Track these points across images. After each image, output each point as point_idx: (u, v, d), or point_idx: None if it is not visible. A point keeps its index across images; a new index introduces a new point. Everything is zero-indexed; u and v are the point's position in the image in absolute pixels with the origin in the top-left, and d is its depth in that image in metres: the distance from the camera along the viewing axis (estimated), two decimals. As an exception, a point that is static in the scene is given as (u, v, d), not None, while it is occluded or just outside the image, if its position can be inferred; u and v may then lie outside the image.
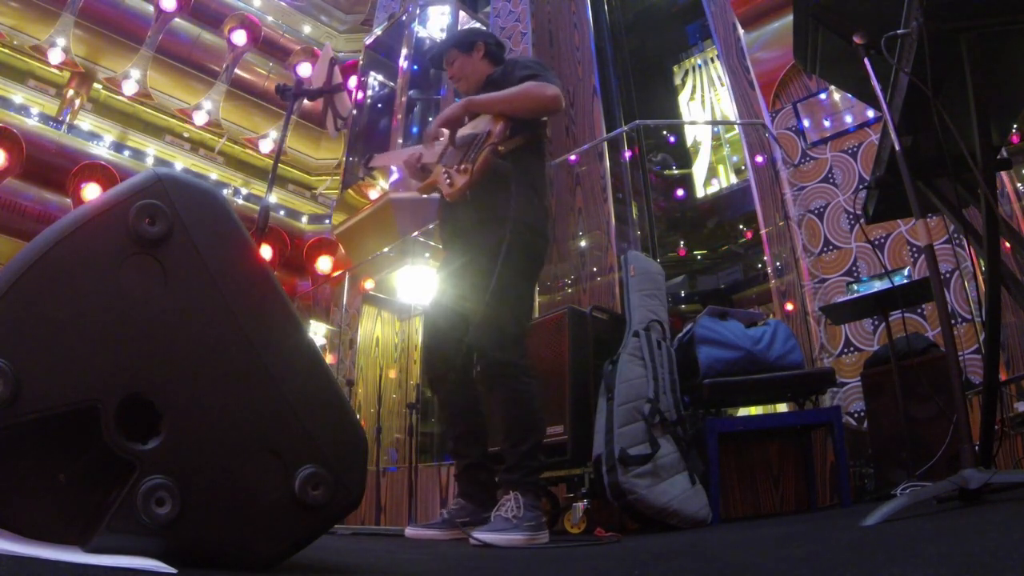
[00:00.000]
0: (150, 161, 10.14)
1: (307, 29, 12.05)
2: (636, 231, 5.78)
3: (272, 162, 2.33)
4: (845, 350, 3.84)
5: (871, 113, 4.10)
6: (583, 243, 5.40)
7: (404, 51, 7.33)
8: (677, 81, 8.95)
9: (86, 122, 9.79)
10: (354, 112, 7.41)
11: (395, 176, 6.41)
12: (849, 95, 3.74)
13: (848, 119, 4.28)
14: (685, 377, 2.60)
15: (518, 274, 1.96)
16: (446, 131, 2.04)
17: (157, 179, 0.89)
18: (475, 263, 1.97)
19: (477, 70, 2.20)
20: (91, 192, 8.40)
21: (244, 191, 11.15)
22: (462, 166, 1.90)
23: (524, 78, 1.99)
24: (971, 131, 1.40)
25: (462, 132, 2.00)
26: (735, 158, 8.11)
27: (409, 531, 2.05)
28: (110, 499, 0.79)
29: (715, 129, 8.47)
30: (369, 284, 6.85)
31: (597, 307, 2.86)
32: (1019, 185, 3.95)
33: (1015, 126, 4.05)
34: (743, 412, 4.16)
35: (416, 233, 6.10)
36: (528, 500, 1.79)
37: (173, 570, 0.72)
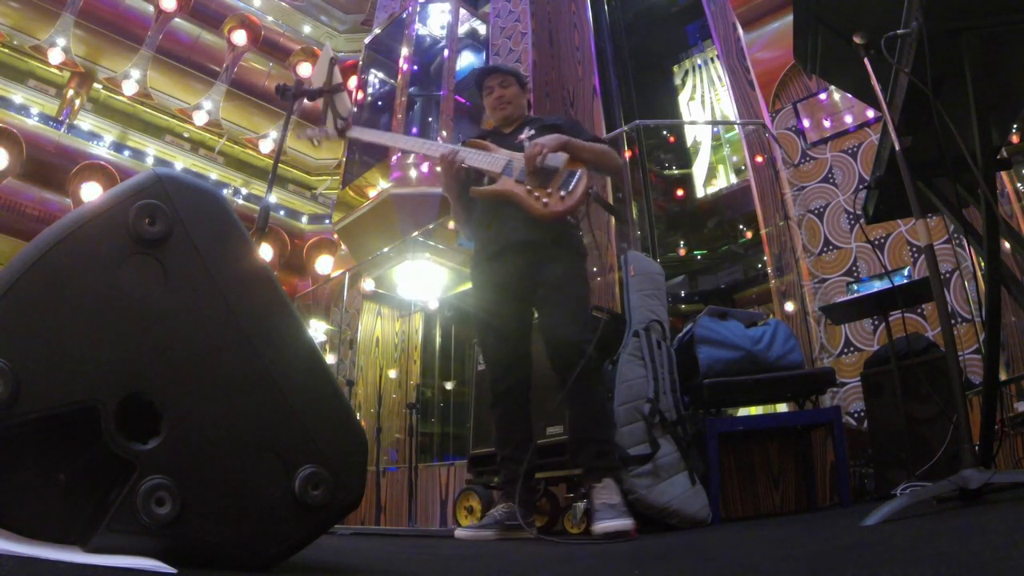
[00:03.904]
0: (150, 161, 10.15)
1: (307, 29, 12.05)
2: (636, 231, 5.77)
3: (272, 162, 2.32)
4: (845, 350, 3.84)
5: (871, 113, 4.10)
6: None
7: (404, 50, 7.32)
8: (677, 81, 8.96)
9: (86, 122, 9.79)
10: (354, 111, 7.40)
11: (395, 172, 6.41)
12: (849, 95, 3.74)
13: (848, 119, 4.28)
14: (685, 377, 2.59)
15: (582, 283, 2.19)
16: (494, 147, 2.24)
17: (157, 179, 0.89)
18: (557, 282, 2.10)
19: (522, 106, 2.48)
20: (91, 192, 8.41)
21: (244, 191, 11.16)
22: (560, 192, 2.09)
23: (595, 139, 2.30)
24: (971, 131, 1.40)
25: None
26: (735, 158, 8.11)
27: (460, 532, 2.11)
28: (110, 499, 0.79)
29: (715, 129, 8.47)
30: (368, 284, 6.85)
31: (597, 307, 2.86)
32: (1019, 185, 3.95)
33: (1015, 126, 4.05)
34: (743, 412, 4.16)
35: (416, 233, 6.09)
36: (619, 486, 1.91)
37: (173, 570, 0.72)
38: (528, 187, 2.11)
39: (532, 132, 2.29)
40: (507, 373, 2.15)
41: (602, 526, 1.76)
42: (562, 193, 2.07)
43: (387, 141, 2.35)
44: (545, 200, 2.07)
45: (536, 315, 2.20)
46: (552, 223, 2.09)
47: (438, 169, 2.32)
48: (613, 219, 5.16)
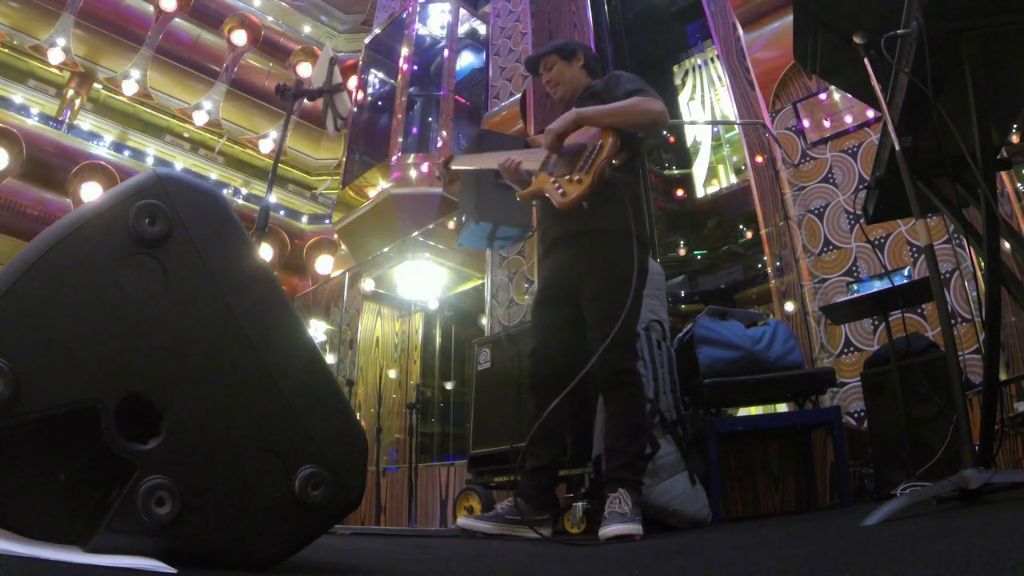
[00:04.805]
0: (150, 161, 10.15)
1: (307, 29, 12.06)
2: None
3: (272, 162, 2.33)
4: (845, 350, 3.84)
5: (871, 113, 4.09)
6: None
7: (404, 50, 7.32)
8: (677, 81, 8.95)
9: (86, 122, 9.80)
10: (354, 111, 7.40)
11: (395, 172, 6.41)
12: (849, 95, 3.73)
13: (848, 119, 4.28)
14: (685, 377, 2.59)
15: (633, 286, 2.03)
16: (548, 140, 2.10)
17: (157, 179, 0.89)
18: (590, 274, 2.01)
19: (575, 78, 2.26)
20: (91, 192, 8.42)
21: (244, 191, 11.17)
22: (576, 176, 1.92)
23: (629, 93, 2.04)
24: (971, 131, 1.40)
25: (567, 142, 2.03)
26: (735, 158, 8.11)
27: (462, 521, 2.12)
28: (110, 499, 0.79)
29: (715, 129, 8.47)
30: (368, 284, 6.85)
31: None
32: (1019, 185, 3.95)
33: (1015, 126, 4.05)
34: (743, 412, 4.16)
35: (416, 233, 6.09)
36: (634, 497, 1.88)
37: (173, 570, 0.72)
38: (553, 178, 1.99)
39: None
40: (544, 363, 2.09)
41: (605, 531, 1.76)
42: (578, 177, 1.92)
43: (484, 163, 2.32)
44: (562, 190, 1.94)
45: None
46: (578, 212, 1.92)
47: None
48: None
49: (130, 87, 9.95)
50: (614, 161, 1.94)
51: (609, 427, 2.00)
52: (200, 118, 10.56)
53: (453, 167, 2.39)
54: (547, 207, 2.11)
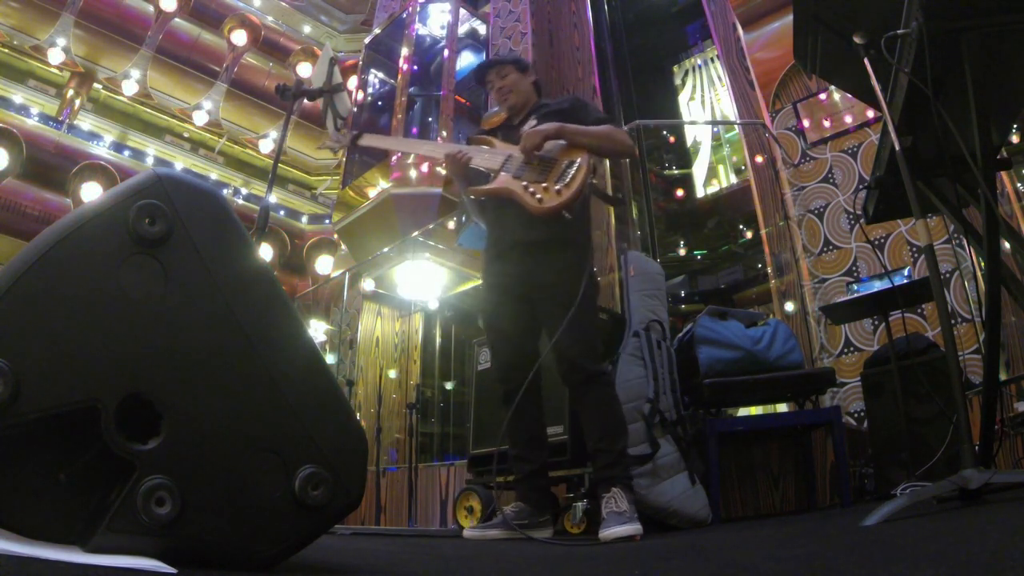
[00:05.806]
0: (150, 161, 10.15)
1: (307, 29, 12.05)
2: (636, 231, 5.76)
3: (272, 162, 2.33)
4: (845, 350, 3.84)
5: (871, 113, 4.10)
6: (583, 243, 5.37)
7: (404, 50, 7.32)
8: (677, 81, 8.95)
9: (86, 122, 9.79)
10: (354, 111, 7.40)
11: (395, 172, 6.41)
12: (849, 95, 3.73)
13: (848, 119, 4.28)
14: (685, 377, 2.59)
15: (593, 293, 2.12)
16: (498, 143, 2.16)
17: (157, 179, 0.89)
18: (553, 282, 2.04)
19: (527, 92, 2.35)
20: (91, 192, 8.43)
21: (244, 191, 11.16)
22: (555, 187, 1.97)
23: (600, 121, 2.14)
24: (971, 131, 1.40)
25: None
26: (735, 158, 8.11)
27: (468, 532, 2.12)
28: (110, 499, 0.79)
29: (715, 129, 8.47)
30: (368, 284, 6.85)
31: (597, 307, 2.86)
32: (1019, 185, 3.95)
33: (1015, 126, 4.05)
34: (743, 412, 4.16)
35: (416, 233, 6.09)
36: (628, 495, 1.89)
37: (173, 570, 0.72)
38: (524, 183, 2.01)
39: (534, 121, 2.19)
40: (513, 373, 2.12)
41: (607, 532, 1.77)
42: (557, 187, 1.96)
43: (396, 146, 2.36)
44: (539, 196, 1.97)
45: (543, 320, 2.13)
46: (550, 220, 1.97)
47: (439, 169, 2.29)
48: (613, 220, 5.15)
49: (130, 87, 9.95)
50: (595, 180, 2.02)
51: (590, 428, 2.01)
52: (200, 118, 10.55)
53: (363, 144, 2.40)
54: (505, 209, 2.11)
